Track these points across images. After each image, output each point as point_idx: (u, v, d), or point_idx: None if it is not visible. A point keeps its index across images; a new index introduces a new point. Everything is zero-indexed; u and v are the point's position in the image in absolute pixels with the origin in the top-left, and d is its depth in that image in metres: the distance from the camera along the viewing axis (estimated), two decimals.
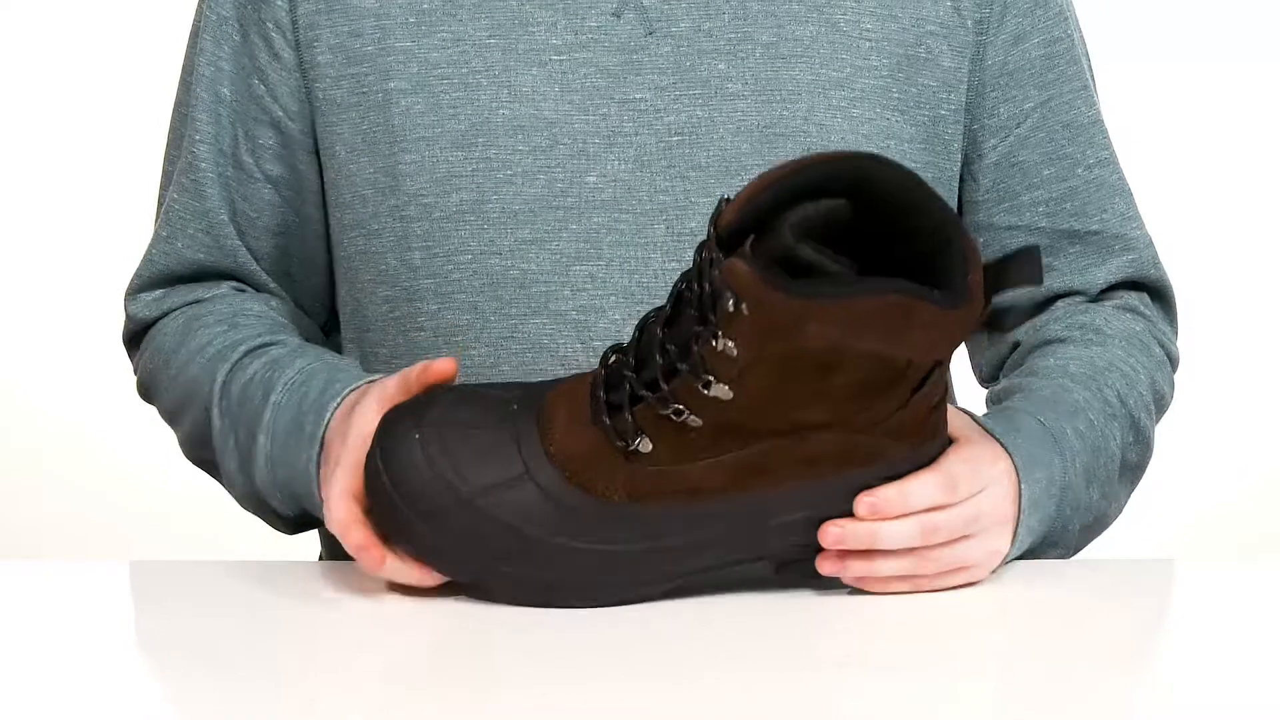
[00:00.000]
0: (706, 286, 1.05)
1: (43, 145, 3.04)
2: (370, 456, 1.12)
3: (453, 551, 1.11)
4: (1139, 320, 1.38)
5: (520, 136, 1.30)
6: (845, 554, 1.13)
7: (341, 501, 1.14)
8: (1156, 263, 1.41)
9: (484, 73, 1.31)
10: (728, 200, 1.05)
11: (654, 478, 1.09)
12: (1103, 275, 1.38)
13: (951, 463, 1.14)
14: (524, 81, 1.30)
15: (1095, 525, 1.29)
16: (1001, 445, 1.19)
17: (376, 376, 1.22)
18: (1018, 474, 1.19)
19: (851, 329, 1.04)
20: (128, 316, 1.41)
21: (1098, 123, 1.39)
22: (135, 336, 1.41)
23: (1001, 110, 1.36)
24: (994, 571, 1.19)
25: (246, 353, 1.30)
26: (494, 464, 1.10)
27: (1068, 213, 1.38)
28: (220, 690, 1.02)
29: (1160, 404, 1.36)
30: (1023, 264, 1.07)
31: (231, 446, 1.28)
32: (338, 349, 1.41)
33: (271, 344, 1.31)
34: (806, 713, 0.98)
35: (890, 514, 1.12)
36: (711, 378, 1.06)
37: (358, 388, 1.21)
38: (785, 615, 1.12)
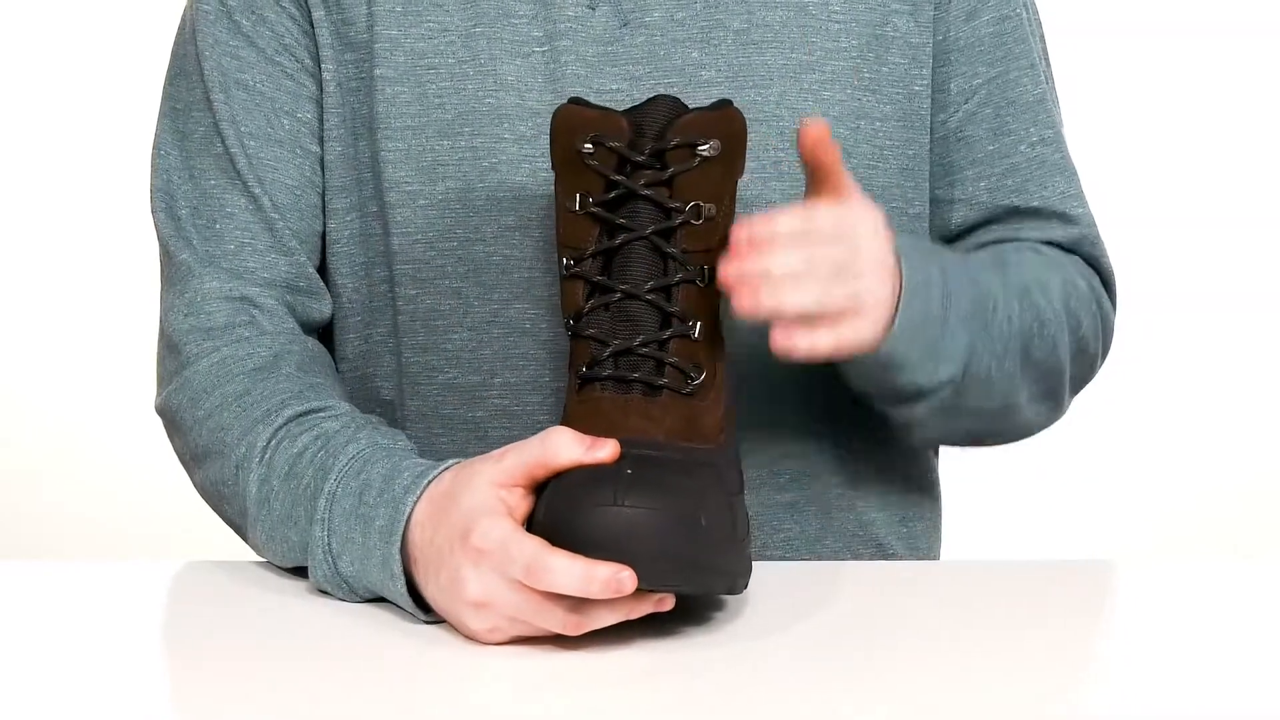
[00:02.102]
0: (659, 190, 1.12)
1: (43, 145, 3.04)
2: (596, 509, 1.05)
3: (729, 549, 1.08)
4: (1069, 259, 1.38)
5: (505, 125, 1.31)
6: (756, 289, 1.13)
7: (560, 556, 1.04)
8: (1095, 243, 1.40)
9: (470, 62, 1.32)
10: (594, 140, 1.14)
11: (716, 402, 1.13)
12: (1039, 235, 1.38)
13: (815, 205, 1.17)
14: (509, 71, 1.32)
15: (996, 389, 1.29)
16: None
17: (448, 463, 1.15)
18: (897, 256, 1.20)
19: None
20: (180, 338, 1.32)
21: (1043, 101, 1.39)
22: (172, 349, 1.34)
23: (952, 85, 1.37)
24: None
25: (292, 418, 1.24)
26: (662, 472, 1.07)
27: (1008, 189, 1.38)
28: (220, 690, 1.03)
29: (1075, 328, 1.34)
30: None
31: (269, 519, 1.22)
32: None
33: (320, 410, 1.25)
34: (775, 713, 1.00)
35: (762, 235, 1.13)
36: (705, 265, 1.13)
37: (437, 475, 1.14)
38: (745, 624, 1.13)
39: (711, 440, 1.12)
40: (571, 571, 1.04)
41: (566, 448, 1.08)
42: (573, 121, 1.15)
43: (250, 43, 1.35)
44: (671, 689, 1.03)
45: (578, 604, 1.06)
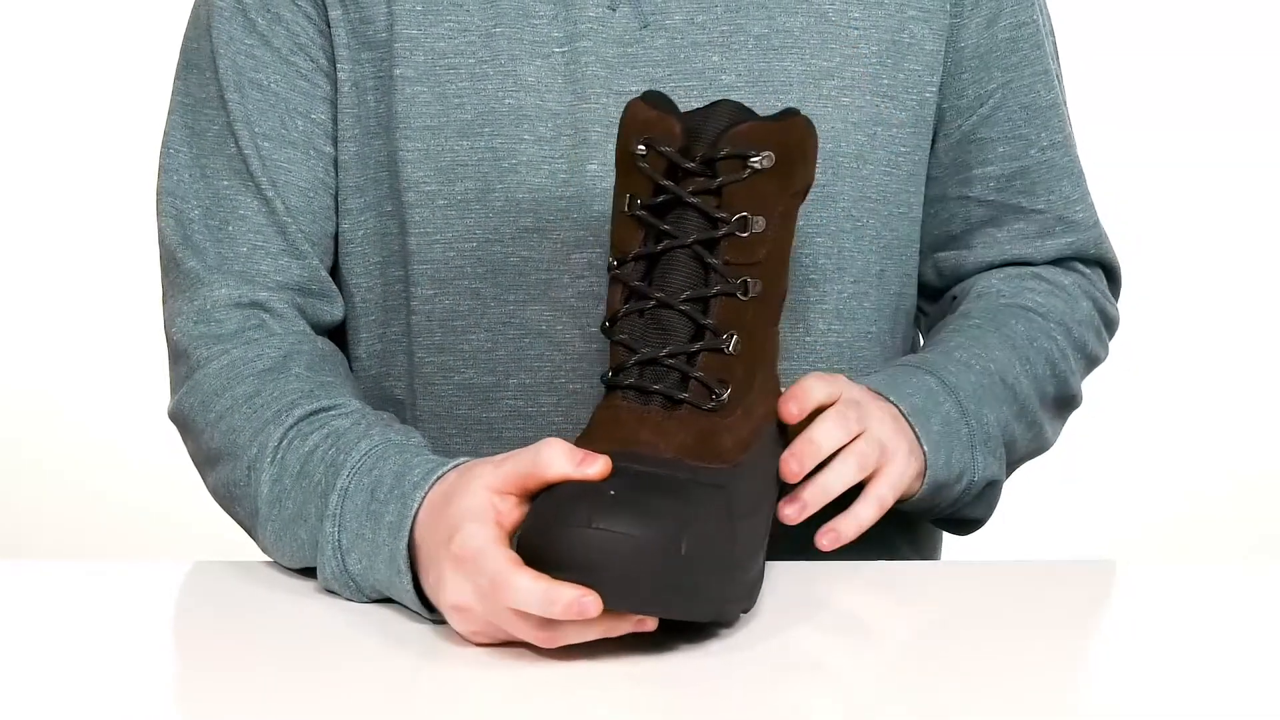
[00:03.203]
0: (707, 198, 1.10)
1: (49, 146, 3.05)
2: (564, 530, 1.03)
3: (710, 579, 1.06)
4: (1069, 275, 1.42)
5: (525, 126, 1.31)
6: (801, 495, 1.19)
7: (525, 576, 1.04)
8: (1099, 243, 1.44)
9: (490, 62, 1.32)
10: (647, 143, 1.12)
11: (742, 421, 1.11)
12: (1044, 252, 1.42)
13: (835, 406, 1.21)
14: (528, 72, 1.32)
15: (1024, 446, 1.36)
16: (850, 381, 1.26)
17: (457, 461, 1.15)
18: (885, 397, 1.26)
19: (813, 146, 1.14)
20: (188, 344, 1.32)
21: (1055, 106, 1.41)
22: (181, 355, 1.34)
23: (969, 91, 1.39)
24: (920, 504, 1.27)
25: (303, 417, 1.24)
26: (653, 489, 1.05)
27: (1016, 189, 1.41)
28: (226, 690, 1.03)
29: (1082, 350, 1.41)
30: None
31: (280, 519, 1.22)
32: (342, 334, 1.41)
33: (330, 408, 1.25)
34: (776, 713, 0.99)
35: (814, 463, 1.18)
36: (746, 278, 1.10)
37: (443, 474, 1.14)
38: (749, 624, 1.12)
39: (728, 460, 1.10)
40: (533, 592, 1.03)
41: (558, 461, 1.06)
42: (634, 119, 1.12)
43: (265, 41, 1.35)
44: (673, 689, 1.03)
45: (549, 620, 1.04)
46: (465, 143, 1.32)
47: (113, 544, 3.00)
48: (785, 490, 1.18)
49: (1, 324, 3.06)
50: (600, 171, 1.31)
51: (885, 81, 1.35)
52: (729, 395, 1.10)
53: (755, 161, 1.10)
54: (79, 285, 3.06)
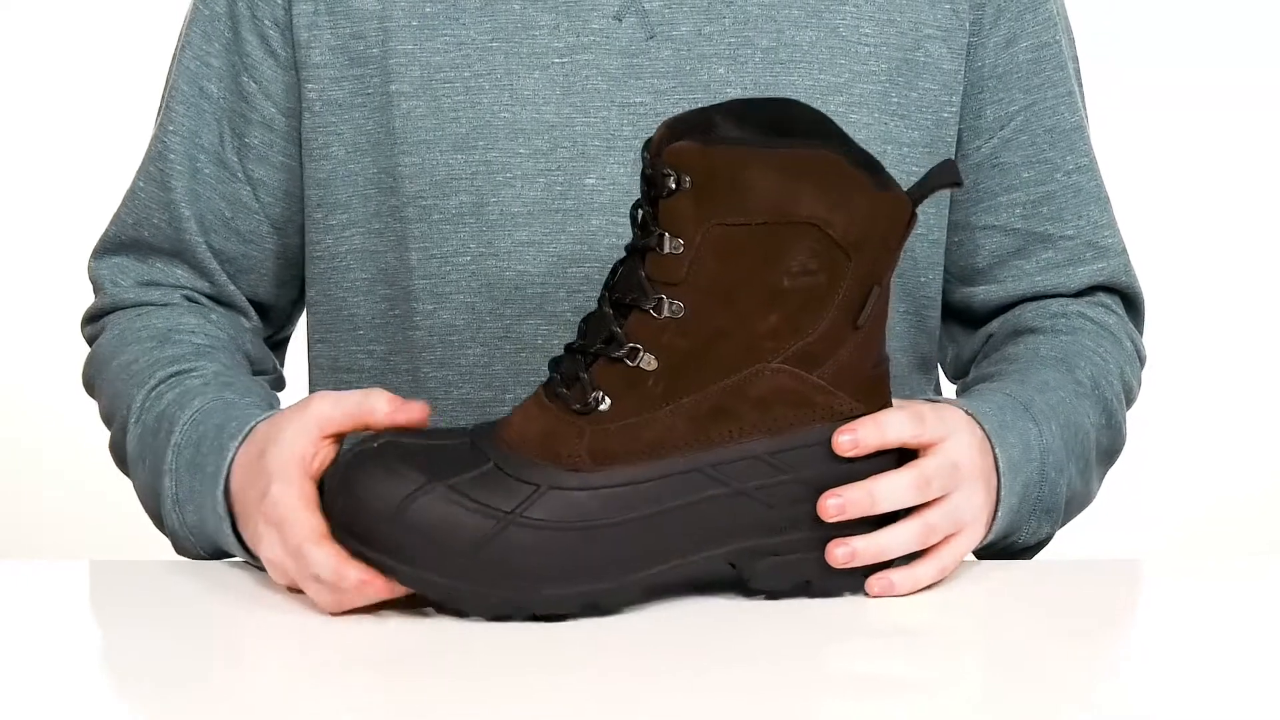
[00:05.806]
0: (647, 209, 1.09)
1: (44, 143, 3.05)
2: (329, 475, 1.11)
3: (425, 552, 1.08)
4: (1110, 315, 1.40)
5: (520, 139, 1.31)
6: (854, 551, 1.13)
7: (322, 550, 1.09)
8: (1128, 270, 1.41)
9: (486, 76, 1.32)
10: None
11: (616, 435, 1.09)
12: (1075, 281, 1.39)
13: (923, 462, 1.15)
14: (525, 85, 1.31)
15: (1075, 502, 1.30)
16: (968, 414, 1.20)
17: (272, 412, 1.20)
18: (990, 441, 1.20)
19: (789, 181, 1.07)
20: (91, 281, 1.43)
21: (1080, 129, 1.40)
22: (93, 317, 1.42)
23: (988, 112, 1.37)
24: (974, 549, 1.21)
25: (163, 380, 1.29)
26: (454, 460, 1.09)
27: (1043, 216, 1.38)
28: (218, 690, 1.02)
29: (1129, 395, 1.37)
30: (941, 171, 1.12)
31: (142, 474, 1.28)
32: (278, 354, 1.46)
33: (189, 371, 1.29)
34: (786, 712, 0.98)
35: (855, 515, 1.12)
36: (664, 296, 1.08)
37: (255, 425, 1.18)
38: (758, 617, 1.12)
39: (567, 465, 1.09)
40: (327, 567, 1.09)
41: (380, 406, 1.13)
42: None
43: (223, 52, 1.37)
44: (672, 687, 1.02)
45: (338, 588, 1.09)
46: (460, 156, 1.31)
47: (113, 544, 2.99)
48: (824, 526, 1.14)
49: (2, 324, 3.06)
50: (599, 185, 1.30)
51: (896, 100, 1.33)
52: (610, 409, 1.09)
53: (671, 181, 1.08)
54: (77, 284, 3.05)
